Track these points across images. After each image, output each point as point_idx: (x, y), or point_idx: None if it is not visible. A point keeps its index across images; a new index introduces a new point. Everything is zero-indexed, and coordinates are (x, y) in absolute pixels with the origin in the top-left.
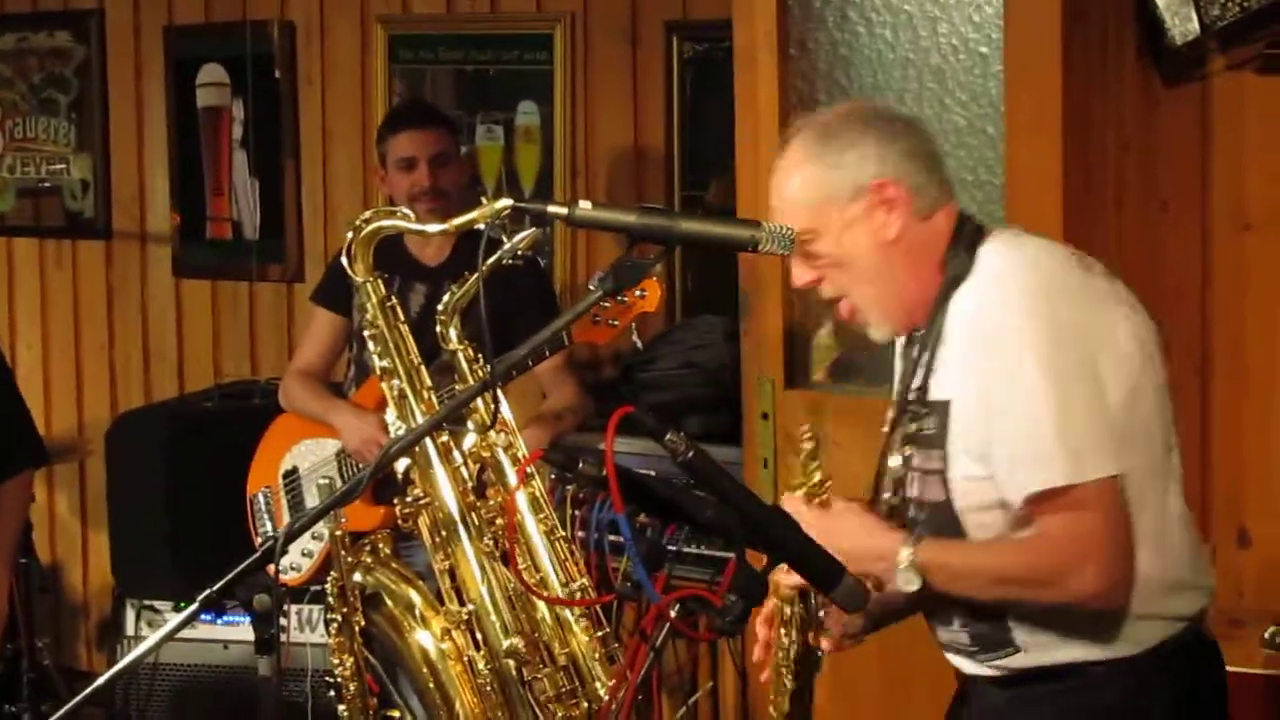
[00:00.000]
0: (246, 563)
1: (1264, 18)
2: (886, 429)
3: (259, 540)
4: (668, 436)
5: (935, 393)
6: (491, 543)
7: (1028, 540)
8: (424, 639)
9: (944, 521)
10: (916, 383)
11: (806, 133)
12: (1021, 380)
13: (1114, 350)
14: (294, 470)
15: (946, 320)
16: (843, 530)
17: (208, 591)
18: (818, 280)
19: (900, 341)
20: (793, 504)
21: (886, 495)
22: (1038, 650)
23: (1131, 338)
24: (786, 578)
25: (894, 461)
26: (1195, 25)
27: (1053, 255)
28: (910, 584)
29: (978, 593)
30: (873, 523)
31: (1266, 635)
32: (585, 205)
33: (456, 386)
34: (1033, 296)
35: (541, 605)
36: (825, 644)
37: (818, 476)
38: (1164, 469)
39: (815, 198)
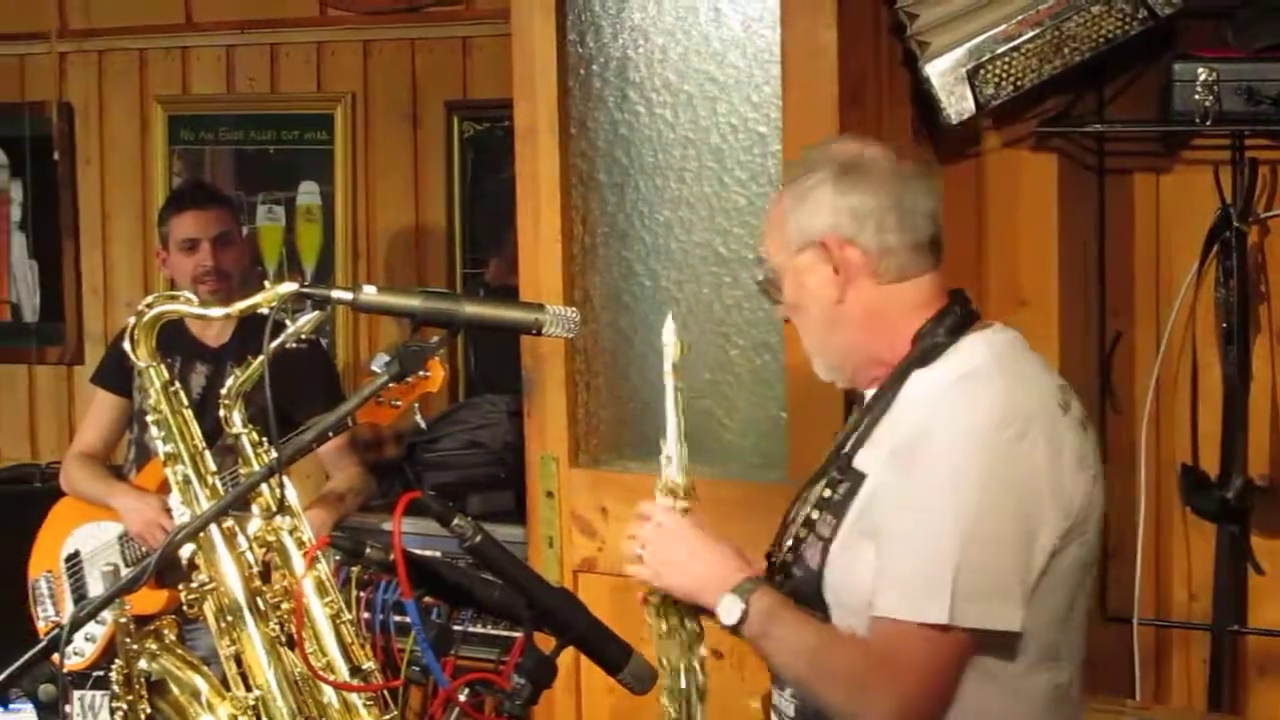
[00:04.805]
0: (32, 652)
1: (1036, 96)
2: (808, 481)
3: (40, 625)
4: (455, 522)
5: (859, 462)
6: (278, 627)
7: (859, 644)
8: None
9: (808, 593)
10: (846, 448)
11: (794, 166)
12: (934, 502)
13: (1050, 508)
14: (76, 554)
15: (899, 397)
16: (689, 541)
17: None
18: (787, 318)
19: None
20: (657, 504)
21: (783, 547)
22: None
23: (1082, 503)
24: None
25: (799, 517)
26: (970, 104)
27: (1033, 385)
28: (729, 615)
29: (785, 659)
30: (724, 549)
31: None
32: (370, 290)
33: (240, 470)
34: (986, 426)
35: (329, 690)
36: None
37: (684, 480)
38: (1048, 644)
39: (776, 237)
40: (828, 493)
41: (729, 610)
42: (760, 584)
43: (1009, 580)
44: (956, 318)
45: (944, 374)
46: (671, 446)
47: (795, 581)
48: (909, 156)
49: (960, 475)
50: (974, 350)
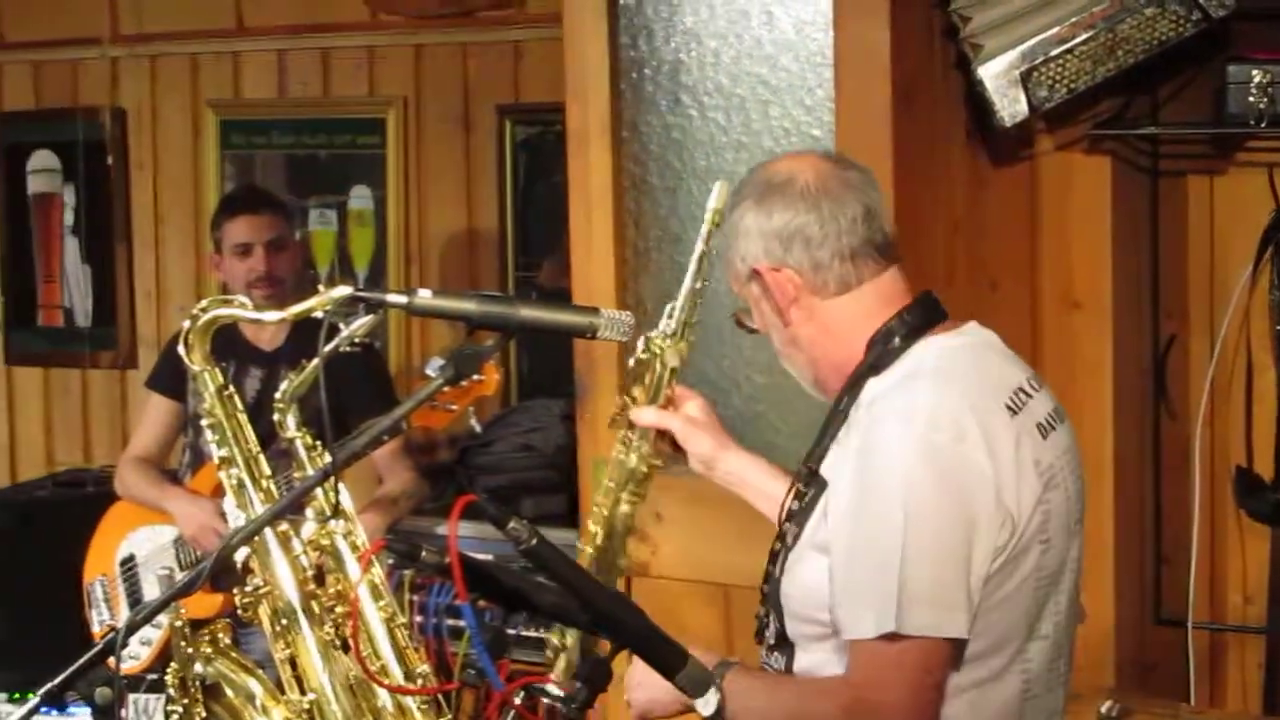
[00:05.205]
0: (87, 656)
1: (1090, 99)
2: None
3: (95, 629)
4: (510, 524)
5: (824, 470)
6: (332, 631)
7: (831, 682)
8: None
9: (773, 600)
10: (812, 457)
11: (729, 198)
12: (877, 513)
13: (992, 511)
14: (131, 558)
15: (854, 406)
16: None
17: (49, 685)
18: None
19: None
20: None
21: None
22: None
23: (1030, 508)
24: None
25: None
26: (1024, 106)
27: (974, 387)
28: (707, 706)
29: None
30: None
31: (1102, 710)
32: (425, 294)
33: (295, 474)
34: (921, 432)
35: (383, 693)
36: None
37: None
38: (1010, 656)
39: (730, 272)
40: (795, 504)
41: (706, 701)
42: (728, 665)
43: (954, 585)
44: (910, 323)
45: (891, 381)
46: (678, 303)
47: (769, 590)
48: (832, 163)
49: (900, 482)
50: (921, 355)
